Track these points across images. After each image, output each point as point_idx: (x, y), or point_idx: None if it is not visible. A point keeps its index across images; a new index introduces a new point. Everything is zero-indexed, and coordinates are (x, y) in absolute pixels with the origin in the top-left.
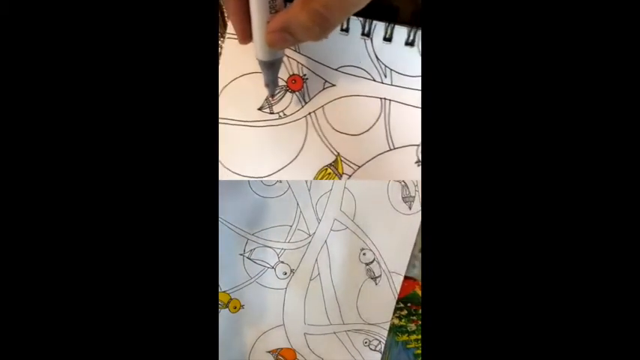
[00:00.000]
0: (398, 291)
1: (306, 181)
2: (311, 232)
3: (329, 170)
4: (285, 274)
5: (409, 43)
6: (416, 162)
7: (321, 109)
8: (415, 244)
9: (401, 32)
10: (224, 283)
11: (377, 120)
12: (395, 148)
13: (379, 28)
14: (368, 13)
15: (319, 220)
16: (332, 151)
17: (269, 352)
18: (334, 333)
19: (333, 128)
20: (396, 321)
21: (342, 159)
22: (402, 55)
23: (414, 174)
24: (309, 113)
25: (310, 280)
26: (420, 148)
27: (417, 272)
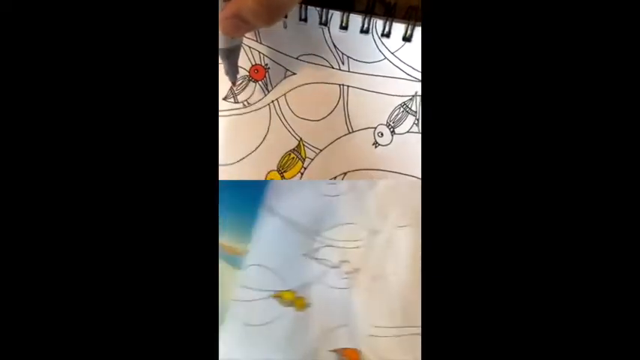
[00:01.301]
0: None
1: (369, 180)
2: (375, 230)
3: (292, 155)
4: (350, 273)
5: (364, 31)
6: (373, 144)
7: (283, 97)
8: None
9: (356, 20)
10: (289, 282)
11: (336, 105)
12: (353, 132)
13: (336, 17)
14: (325, 2)
15: (383, 218)
16: (295, 137)
17: (332, 351)
18: (399, 336)
19: (295, 115)
20: None
21: (305, 144)
22: (357, 43)
23: (372, 155)
24: (272, 101)
25: (375, 279)
26: (377, 130)
27: None
